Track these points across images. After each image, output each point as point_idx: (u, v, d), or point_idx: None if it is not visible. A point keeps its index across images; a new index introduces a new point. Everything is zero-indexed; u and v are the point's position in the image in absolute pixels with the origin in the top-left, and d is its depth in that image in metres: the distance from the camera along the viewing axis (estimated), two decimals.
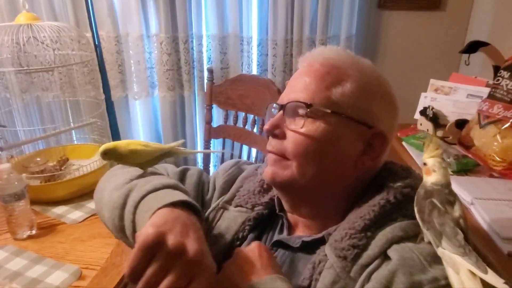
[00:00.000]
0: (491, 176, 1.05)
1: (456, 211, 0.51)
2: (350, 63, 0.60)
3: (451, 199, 0.51)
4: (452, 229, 0.49)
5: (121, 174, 0.67)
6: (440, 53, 1.84)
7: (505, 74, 1.08)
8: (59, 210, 1.12)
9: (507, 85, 1.07)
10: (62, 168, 1.27)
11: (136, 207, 0.54)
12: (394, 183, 0.57)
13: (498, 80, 1.10)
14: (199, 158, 2.01)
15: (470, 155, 1.13)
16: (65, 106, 1.55)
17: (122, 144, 0.62)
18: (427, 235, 0.50)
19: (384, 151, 0.60)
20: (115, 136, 1.94)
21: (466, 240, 0.48)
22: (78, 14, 1.71)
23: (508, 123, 1.02)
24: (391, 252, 0.51)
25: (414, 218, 0.54)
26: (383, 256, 0.51)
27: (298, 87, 0.60)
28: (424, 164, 0.54)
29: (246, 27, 1.76)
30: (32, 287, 0.81)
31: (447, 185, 0.52)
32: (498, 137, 1.04)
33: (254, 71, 1.85)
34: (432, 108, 1.30)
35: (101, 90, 1.55)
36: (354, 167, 0.59)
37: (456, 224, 0.49)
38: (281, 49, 1.73)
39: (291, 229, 0.65)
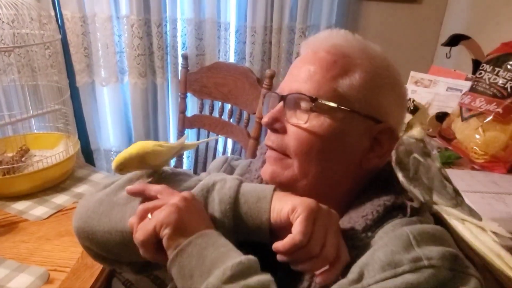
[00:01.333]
0: (473, 168, 1.06)
1: (436, 162, 0.52)
2: (359, 50, 0.55)
3: (427, 151, 0.52)
4: (440, 182, 0.50)
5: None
6: (416, 46, 1.86)
7: (488, 68, 1.09)
8: (20, 205, 1.02)
9: (489, 78, 1.08)
10: (23, 160, 1.16)
11: (234, 203, 0.50)
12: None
13: (481, 73, 1.11)
14: None
15: (451, 148, 1.14)
16: (23, 91, 1.42)
17: (133, 150, 0.55)
18: (414, 192, 0.50)
19: (392, 147, 0.56)
20: (80, 125, 1.81)
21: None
22: None
23: (491, 117, 1.03)
24: None
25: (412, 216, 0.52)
26: None
27: (301, 77, 0.55)
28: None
29: (224, 13, 1.68)
30: None
31: (422, 140, 0.53)
32: (480, 130, 1.05)
33: (232, 59, 1.78)
34: (413, 100, 1.30)
35: (65, 75, 1.43)
36: (359, 166, 0.55)
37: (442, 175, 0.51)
38: (260, 37, 1.67)
39: None
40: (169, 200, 0.48)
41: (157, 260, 0.47)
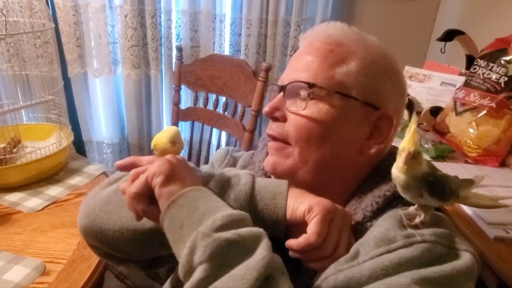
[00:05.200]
0: (466, 162, 1.08)
1: None
2: (355, 39, 0.57)
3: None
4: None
5: None
6: (410, 41, 1.87)
7: (482, 63, 1.11)
8: (13, 197, 1.00)
9: (483, 73, 1.09)
10: (14, 151, 1.14)
11: (250, 200, 0.50)
12: None
13: (475, 68, 1.12)
14: None
15: (444, 142, 1.16)
16: (12, 81, 1.38)
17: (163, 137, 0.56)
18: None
19: (392, 134, 0.57)
20: (72, 116, 1.78)
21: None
22: None
23: (484, 111, 1.05)
24: None
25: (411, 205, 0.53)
26: None
27: (299, 67, 0.56)
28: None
29: (220, 4, 1.66)
30: None
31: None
32: (474, 124, 1.07)
33: (226, 51, 1.77)
34: (408, 95, 1.31)
35: (57, 65, 1.40)
36: (359, 152, 0.56)
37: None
38: (255, 29, 1.66)
39: None
40: None
41: (149, 214, 0.47)
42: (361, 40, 0.57)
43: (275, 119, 0.58)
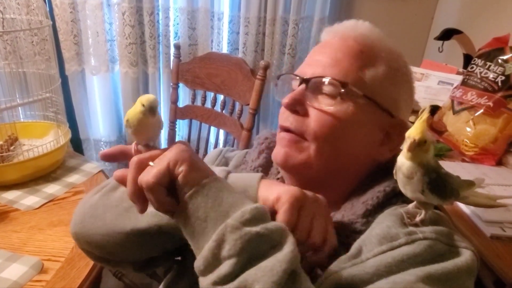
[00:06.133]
0: (463, 161, 1.08)
1: None
2: (384, 44, 0.56)
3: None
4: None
5: None
6: (408, 40, 1.87)
7: (479, 62, 1.11)
8: (10, 195, 1.00)
9: (481, 73, 1.10)
10: (11, 149, 1.13)
11: None
12: None
13: (472, 67, 1.13)
14: (163, 139, 1.91)
15: (442, 140, 1.16)
16: (10, 78, 1.38)
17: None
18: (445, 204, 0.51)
19: (401, 142, 0.57)
20: (69, 114, 1.77)
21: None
22: None
23: (481, 110, 1.05)
24: None
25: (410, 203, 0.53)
26: None
27: (327, 62, 0.54)
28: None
29: (218, 2, 1.66)
30: None
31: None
32: (471, 123, 1.07)
33: (224, 49, 1.77)
34: None
35: (54, 63, 1.40)
36: (368, 156, 0.56)
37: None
38: (254, 28, 1.66)
39: None
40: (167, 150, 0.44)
41: (165, 205, 0.43)
42: (387, 44, 0.56)
43: (295, 112, 0.55)
